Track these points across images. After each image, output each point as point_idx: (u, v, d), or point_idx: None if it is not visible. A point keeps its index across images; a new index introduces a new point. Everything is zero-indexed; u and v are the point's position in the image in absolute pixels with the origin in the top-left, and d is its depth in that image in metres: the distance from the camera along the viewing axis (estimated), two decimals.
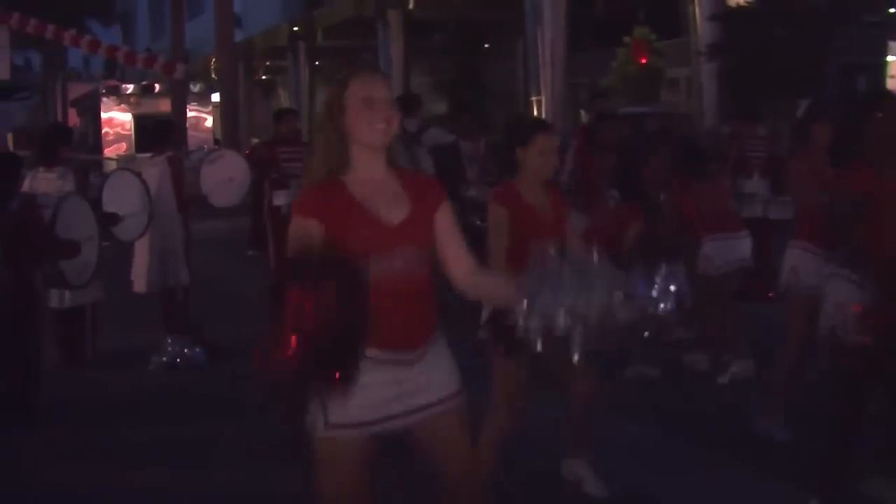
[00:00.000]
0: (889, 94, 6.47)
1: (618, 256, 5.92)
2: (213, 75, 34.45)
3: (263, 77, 55.33)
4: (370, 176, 3.63)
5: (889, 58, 42.71)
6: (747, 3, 33.57)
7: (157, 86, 31.45)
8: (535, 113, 30.92)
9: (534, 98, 32.16)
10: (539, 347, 3.41)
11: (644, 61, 32.74)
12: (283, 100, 50.93)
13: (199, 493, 6.12)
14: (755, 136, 11.25)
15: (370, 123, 3.57)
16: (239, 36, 40.62)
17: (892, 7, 44.17)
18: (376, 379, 3.47)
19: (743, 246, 8.30)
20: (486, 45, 41.12)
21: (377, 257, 3.49)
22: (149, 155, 10.25)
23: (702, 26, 28.26)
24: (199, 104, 33.02)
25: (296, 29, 45.40)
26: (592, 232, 7.10)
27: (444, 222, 3.76)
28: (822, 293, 5.16)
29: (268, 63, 53.70)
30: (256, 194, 11.82)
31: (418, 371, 3.64)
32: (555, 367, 5.02)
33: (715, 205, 8.30)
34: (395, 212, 3.60)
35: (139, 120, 30.16)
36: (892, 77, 42.87)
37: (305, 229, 3.49)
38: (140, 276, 9.55)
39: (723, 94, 28.58)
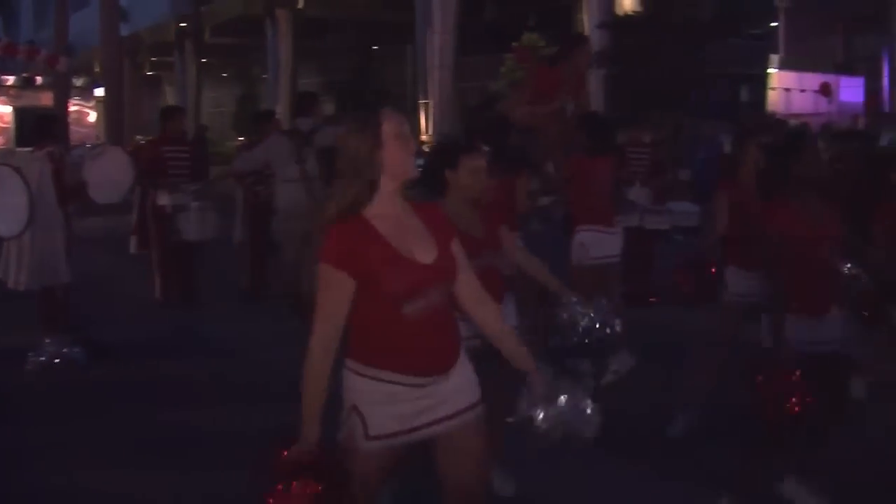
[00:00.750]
0: (805, 134, 6.67)
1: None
2: (96, 69, 33.87)
3: (149, 73, 54.57)
4: (390, 210, 3.76)
5: (770, 69, 43.85)
6: (635, 12, 34.17)
7: (38, 78, 30.80)
8: (424, 117, 31.07)
9: (422, 101, 32.29)
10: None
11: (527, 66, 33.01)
12: (169, 97, 50.33)
13: (71, 492, 6.05)
14: (639, 143, 11.38)
15: (406, 156, 3.76)
16: (125, 30, 40.02)
17: (773, 21, 45.43)
18: (411, 396, 3.71)
19: (616, 241, 8.43)
20: (376, 48, 41.12)
21: (416, 297, 3.66)
22: (29, 149, 10.04)
23: (590, 34, 28.65)
24: (83, 99, 32.49)
25: (183, 25, 44.84)
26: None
27: (459, 252, 3.93)
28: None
29: (154, 59, 52.99)
30: (141, 193, 11.67)
31: (442, 388, 3.78)
32: None
33: (597, 196, 8.39)
34: (426, 250, 3.75)
35: (20, 113, 29.54)
36: (773, 89, 44.03)
37: (336, 281, 3.64)
38: (17, 273, 9.34)
39: (609, 102, 29.01)
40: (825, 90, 36.99)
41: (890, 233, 6.38)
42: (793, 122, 25.53)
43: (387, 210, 3.73)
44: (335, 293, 3.63)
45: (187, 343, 9.88)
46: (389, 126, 3.73)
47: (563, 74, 9.08)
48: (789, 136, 6.45)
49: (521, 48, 29.35)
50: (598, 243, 8.22)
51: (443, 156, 5.42)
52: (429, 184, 4.90)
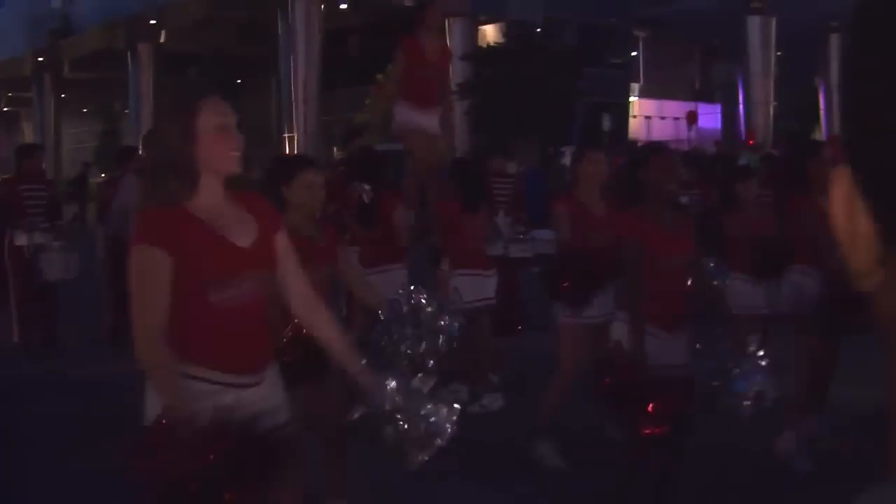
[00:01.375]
0: (659, 148, 6.80)
1: None
2: None
3: (5, 109, 53.31)
4: (212, 201, 3.52)
5: (631, 98, 44.87)
6: (497, 44, 34.65)
7: None
8: (289, 150, 30.93)
9: (287, 135, 32.17)
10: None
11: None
12: (28, 133, 49.18)
13: None
14: (502, 174, 11.49)
15: (227, 151, 3.51)
16: None
17: (634, 51, 46.52)
18: (217, 402, 3.38)
19: (491, 283, 8.49)
20: (239, 81, 40.86)
21: (228, 282, 3.43)
22: None
23: (454, 65, 28.89)
24: None
25: (41, 60, 43.92)
26: None
27: (284, 245, 3.73)
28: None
29: (10, 94, 51.78)
30: None
31: (256, 395, 3.55)
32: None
33: (472, 240, 8.45)
34: (244, 234, 3.54)
35: None
36: (635, 116, 45.07)
37: (152, 261, 3.36)
38: None
39: (473, 132, 29.30)
40: (691, 118, 38.02)
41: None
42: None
43: (208, 201, 3.50)
44: (152, 275, 3.36)
45: (51, 385, 9.61)
46: (208, 116, 3.48)
47: (425, 37, 9.05)
48: (642, 149, 6.63)
49: (384, 82, 29.51)
50: (473, 287, 8.26)
51: (277, 171, 5.40)
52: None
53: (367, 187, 8.10)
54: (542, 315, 7.48)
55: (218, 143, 3.48)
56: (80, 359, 10.71)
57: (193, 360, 3.43)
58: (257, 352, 3.61)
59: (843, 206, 0.95)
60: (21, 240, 10.92)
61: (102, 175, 39.52)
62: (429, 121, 8.90)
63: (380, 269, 7.91)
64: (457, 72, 28.96)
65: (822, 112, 42.30)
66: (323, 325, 3.89)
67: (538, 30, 37.27)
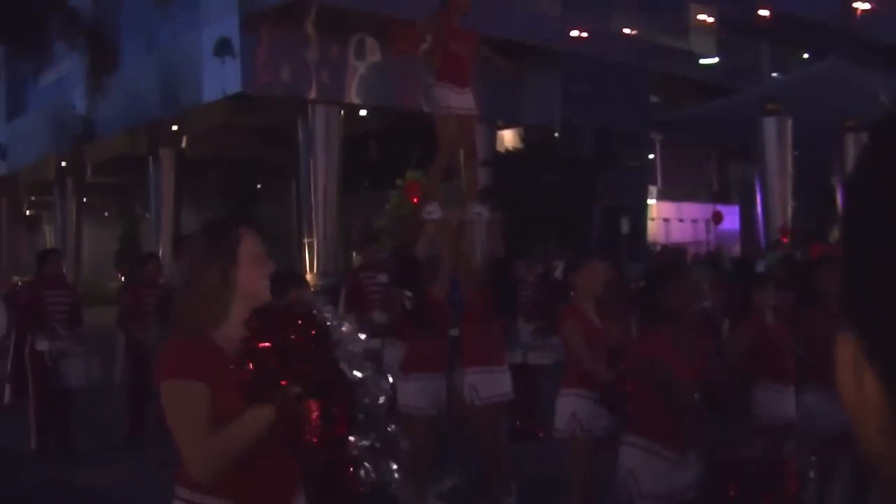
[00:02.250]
0: (678, 266, 6.79)
1: None
2: None
3: (28, 212, 53.79)
4: (235, 329, 3.45)
5: (649, 201, 44.97)
6: (515, 149, 34.93)
7: None
8: (308, 255, 31.10)
9: (306, 240, 32.34)
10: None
11: (416, 201, 33.48)
12: (49, 236, 49.56)
13: None
14: (520, 279, 11.50)
15: (262, 278, 3.57)
16: (2, 169, 39.49)
17: (650, 154, 46.77)
18: None
19: (507, 378, 8.44)
20: (259, 186, 41.16)
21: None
22: None
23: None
24: None
25: (64, 164, 44.44)
26: None
27: None
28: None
29: (33, 198, 52.29)
30: (17, 339, 11.35)
31: None
32: None
33: (490, 338, 8.42)
34: None
35: None
36: (653, 219, 45.13)
37: (193, 393, 3.34)
38: None
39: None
40: (717, 218, 38.10)
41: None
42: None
43: (233, 332, 3.44)
44: (196, 407, 3.32)
45: (66, 495, 9.54)
46: (248, 244, 3.56)
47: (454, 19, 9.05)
48: (658, 266, 6.60)
49: (411, 183, 29.72)
50: (490, 383, 8.22)
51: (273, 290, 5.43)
52: None
53: (408, 294, 8.15)
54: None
55: (255, 271, 3.54)
56: (95, 465, 10.64)
57: (219, 494, 3.37)
58: (284, 482, 3.56)
59: (849, 369, 0.93)
60: (42, 345, 10.93)
61: (122, 278, 39.70)
62: (465, 101, 8.94)
63: (423, 376, 7.97)
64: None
65: (839, 212, 42.29)
66: None
67: (556, 134, 37.59)
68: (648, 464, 5.39)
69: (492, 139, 36.30)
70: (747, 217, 41.84)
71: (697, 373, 5.32)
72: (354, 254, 26.97)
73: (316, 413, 3.11)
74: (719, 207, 41.08)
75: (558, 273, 14.84)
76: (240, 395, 3.24)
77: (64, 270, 13.63)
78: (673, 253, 28.48)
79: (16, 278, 29.52)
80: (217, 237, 3.60)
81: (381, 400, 3.40)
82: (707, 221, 39.78)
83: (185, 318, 3.49)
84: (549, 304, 11.87)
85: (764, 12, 42.07)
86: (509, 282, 8.75)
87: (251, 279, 3.53)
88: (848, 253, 0.93)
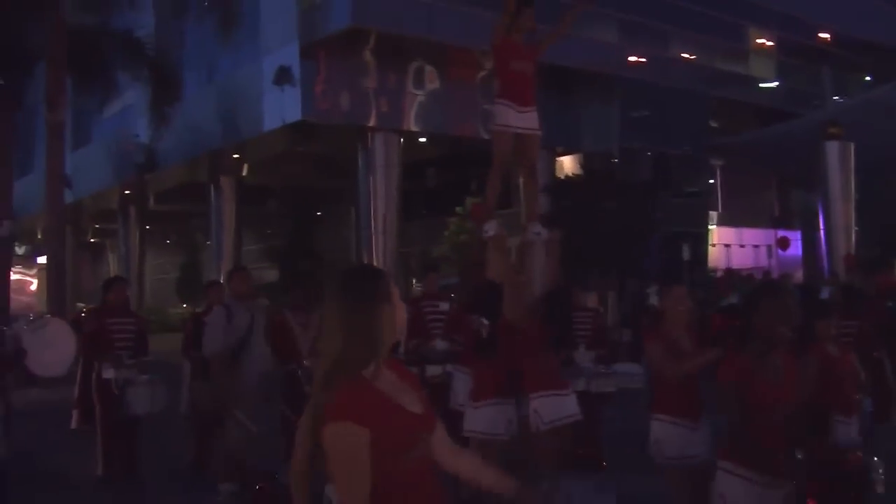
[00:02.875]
0: (773, 289, 6.69)
1: None
2: (39, 236, 33.69)
3: (92, 240, 54.50)
4: (382, 371, 3.69)
5: (710, 226, 44.67)
6: (575, 175, 34.87)
7: None
8: None
9: None
10: None
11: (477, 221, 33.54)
12: (112, 264, 50.18)
13: None
14: (582, 307, 11.47)
15: (401, 322, 3.75)
16: (68, 197, 40.04)
17: (710, 179, 46.49)
18: None
19: (572, 401, 8.38)
20: (319, 213, 41.39)
21: (412, 448, 3.61)
22: None
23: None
24: (24, 266, 32.20)
25: (127, 192, 45.02)
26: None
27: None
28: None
29: (97, 226, 52.99)
30: (84, 366, 11.48)
31: None
32: None
33: (550, 363, 8.38)
34: (414, 402, 3.71)
35: None
36: (713, 245, 44.81)
37: (355, 436, 3.49)
38: None
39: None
40: (783, 243, 37.70)
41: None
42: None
43: (378, 371, 3.66)
44: (357, 451, 3.49)
45: None
46: (395, 289, 3.73)
47: (516, 38, 8.65)
48: (755, 291, 6.48)
49: (478, 206, 29.76)
50: (555, 407, 8.17)
51: None
52: None
53: (485, 322, 8.15)
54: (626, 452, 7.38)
55: (399, 314, 3.72)
56: (160, 493, 10.72)
57: None
58: (442, 499, 3.75)
59: None
60: (108, 373, 11.03)
61: (184, 305, 40.02)
62: (526, 121, 8.63)
63: (494, 402, 7.96)
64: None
65: None
66: (467, 466, 4.02)
67: (615, 160, 37.50)
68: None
69: (551, 165, 36.29)
70: (810, 243, 41.39)
71: (788, 396, 5.27)
72: (414, 281, 26.99)
73: None
74: (780, 233, 40.70)
75: (652, 300, 14.76)
76: (392, 431, 3.49)
77: (128, 298, 13.76)
78: (781, 276, 28.16)
79: (80, 305, 29.94)
80: (377, 280, 3.73)
81: None
82: (769, 247, 39.40)
83: (347, 368, 3.59)
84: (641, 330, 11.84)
85: (824, 35, 41.84)
86: (567, 311, 8.72)
87: (397, 319, 3.71)
88: None
